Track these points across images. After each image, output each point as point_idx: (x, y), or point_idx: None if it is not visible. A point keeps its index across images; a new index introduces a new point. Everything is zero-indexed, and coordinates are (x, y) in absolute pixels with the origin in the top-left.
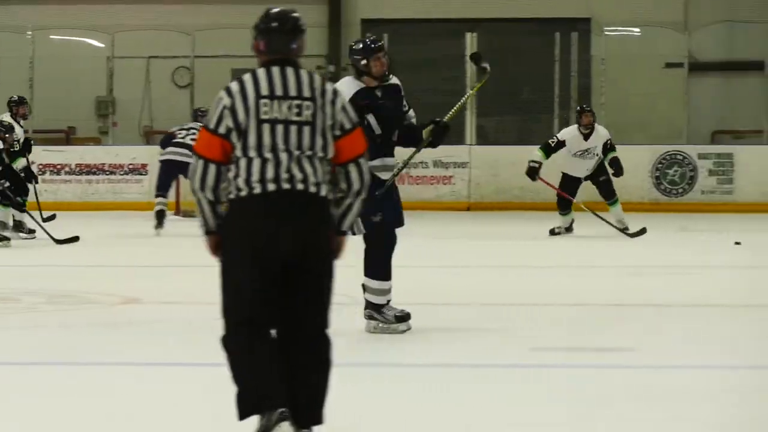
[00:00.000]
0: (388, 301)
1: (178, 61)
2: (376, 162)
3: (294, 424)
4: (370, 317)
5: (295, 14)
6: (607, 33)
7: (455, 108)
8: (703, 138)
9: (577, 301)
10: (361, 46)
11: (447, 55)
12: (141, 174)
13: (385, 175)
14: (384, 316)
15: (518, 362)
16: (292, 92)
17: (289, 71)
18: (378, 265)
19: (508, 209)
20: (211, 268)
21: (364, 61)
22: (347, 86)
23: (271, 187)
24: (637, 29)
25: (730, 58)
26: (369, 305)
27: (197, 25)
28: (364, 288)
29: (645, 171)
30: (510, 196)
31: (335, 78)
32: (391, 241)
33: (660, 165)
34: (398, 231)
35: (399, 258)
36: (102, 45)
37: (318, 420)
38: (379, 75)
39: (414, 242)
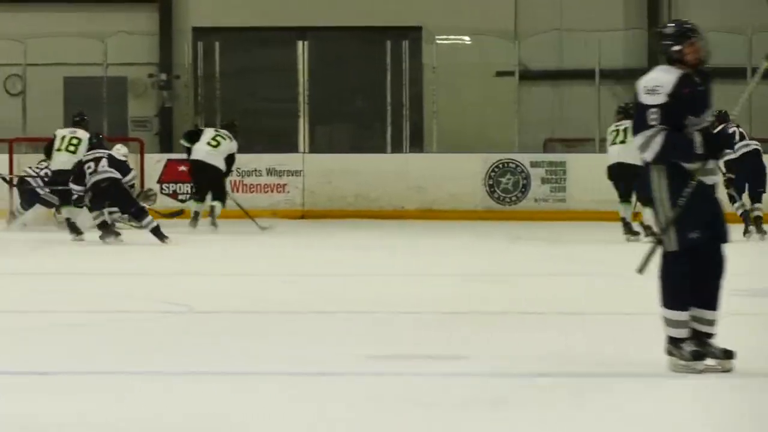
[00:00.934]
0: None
1: (10, 68)
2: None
3: None
4: (669, 353)
5: None
6: (438, 41)
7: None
8: (535, 146)
9: (409, 309)
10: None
11: (279, 63)
12: None
13: (710, 180)
14: (681, 352)
15: (355, 370)
16: None
17: None
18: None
19: (342, 217)
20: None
21: (677, 47)
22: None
23: None
24: (468, 38)
25: (560, 66)
26: (667, 339)
27: (29, 33)
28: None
29: (478, 179)
30: (344, 204)
31: (166, 87)
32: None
33: (493, 173)
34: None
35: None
36: None
37: None
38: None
39: (251, 251)
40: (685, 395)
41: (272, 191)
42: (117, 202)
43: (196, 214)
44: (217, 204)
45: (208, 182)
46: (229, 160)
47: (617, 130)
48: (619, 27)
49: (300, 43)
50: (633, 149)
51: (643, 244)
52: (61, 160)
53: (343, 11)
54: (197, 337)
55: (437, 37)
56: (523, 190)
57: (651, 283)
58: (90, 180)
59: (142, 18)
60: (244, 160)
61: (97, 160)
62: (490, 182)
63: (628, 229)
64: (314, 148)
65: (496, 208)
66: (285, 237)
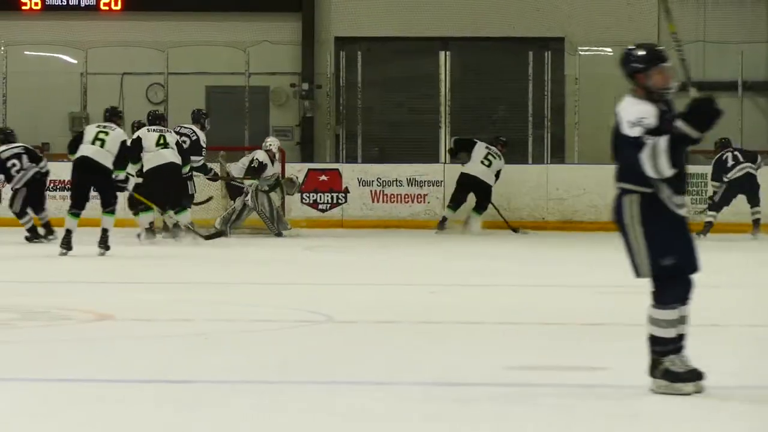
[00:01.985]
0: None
1: (151, 77)
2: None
3: None
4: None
5: None
6: (580, 53)
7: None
8: None
9: (549, 320)
10: None
11: (421, 73)
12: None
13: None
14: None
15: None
16: None
17: None
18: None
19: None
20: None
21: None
22: None
23: None
24: (611, 49)
25: (702, 77)
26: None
27: (171, 42)
28: None
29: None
30: (485, 215)
31: (307, 96)
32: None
33: None
34: None
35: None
36: (75, 61)
37: None
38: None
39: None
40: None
41: (412, 201)
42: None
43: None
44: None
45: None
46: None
47: None
48: (762, 39)
49: (442, 54)
50: None
51: None
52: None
53: (485, 22)
54: (338, 347)
55: (580, 48)
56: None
57: None
58: (22, 177)
59: (285, 28)
60: (384, 171)
61: (18, 156)
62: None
63: None
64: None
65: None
66: (428, 247)
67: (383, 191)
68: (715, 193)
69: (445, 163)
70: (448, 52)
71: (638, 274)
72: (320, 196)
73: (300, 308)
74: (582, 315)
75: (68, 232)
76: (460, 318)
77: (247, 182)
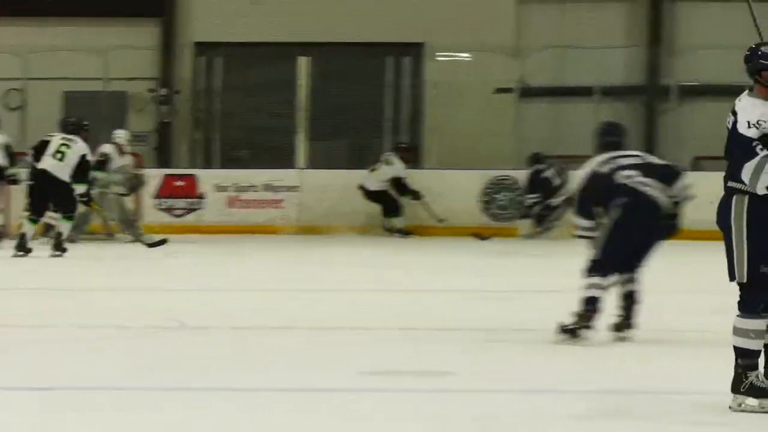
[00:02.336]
0: None
1: (9, 83)
2: None
3: None
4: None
5: None
6: (439, 58)
7: None
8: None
9: (404, 325)
10: None
11: (280, 78)
12: None
13: None
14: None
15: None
16: None
17: None
18: None
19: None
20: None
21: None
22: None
23: None
24: (469, 54)
25: (559, 83)
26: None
27: (29, 47)
28: None
29: (474, 196)
30: (342, 220)
31: (165, 101)
32: None
33: (489, 190)
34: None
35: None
36: None
37: None
38: None
39: (248, 266)
40: None
41: (268, 207)
42: None
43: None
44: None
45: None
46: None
47: None
48: (619, 44)
49: (301, 59)
50: None
51: None
52: None
53: (345, 27)
54: (191, 353)
55: (438, 53)
56: (518, 207)
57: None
58: None
59: (146, 33)
60: (240, 176)
61: None
62: (486, 199)
63: None
64: (312, 163)
65: (492, 224)
66: (279, 252)
67: (239, 197)
68: None
69: (301, 169)
70: (307, 58)
71: (733, 277)
72: (175, 201)
73: (155, 314)
74: (427, 319)
75: (23, 236)
76: (315, 323)
77: (99, 175)
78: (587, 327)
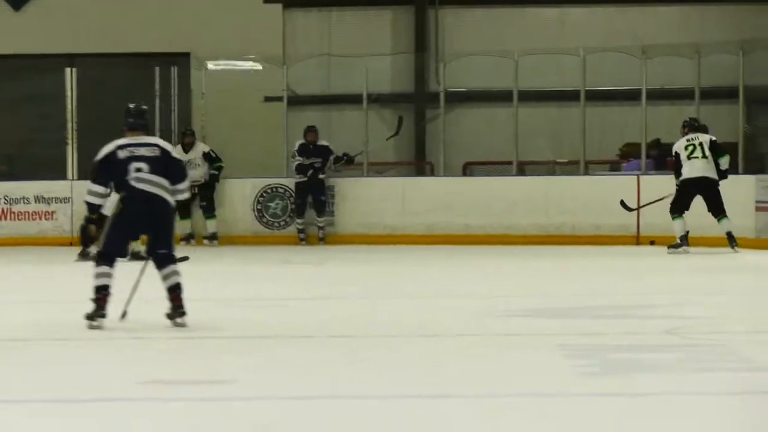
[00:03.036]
0: None
1: None
2: None
3: None
4: None
5: None
6: (207, 68)
7: None
8: None
9: (175, 334)
10: None
11: (47, 90)
12: None
13: None
14: None
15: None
16: None
17: None
18: None
19: None
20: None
21: None
22: None
23: None
24: (237, 64)
25: (328, 91)
26: None
27: None
28: None
29: (247, 204)
30: None
31: None
32: None
33: (262, 198)
34: None
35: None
36: None
37: None
38: None
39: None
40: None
41: (41, 219)
42: None
43: None
44: None
45: None
46: None
47: (693, 145)
48: (386, 52)
49: (68, 71)
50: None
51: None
52: None
53: (111, 38)
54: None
55: (206, 63)
56: (291, 214)
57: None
58: None
59: None
60: (11, 188)
61: None
62: (259, 207)
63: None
64: (84, 174)
65: (264, 232)
66: (53, 265)
67: (11, 209)
68: None
69: (72, 180)
70: (74, 69)
71: None
72: None
73: None
74: (211, 329)
75: None
76: (97, 334)
77: None
78: (101, 315)
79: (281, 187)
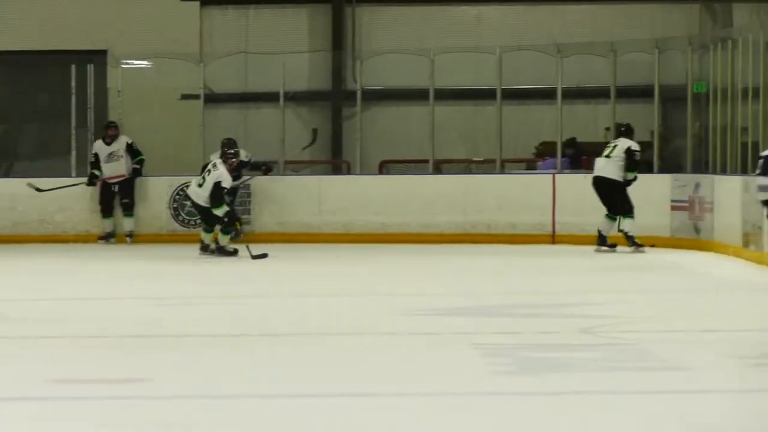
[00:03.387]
0: None
1: None
2: None
3: None
4: None
5: None
6: (123, 66)
7: None
8: None
9: (94, 333)
10: None
11: None
12: None
13: None
14: None
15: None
16: None
17: None
18: None
19: (25, 242)
20: None
21: None
22: None
23: None
24: (154, 62)
25: (245, 89)
26: None
27: None
28: None
29: (163, 202)
30: (28, 229)
31: None
32: None
33: (178, 196)
34: None
35: None
36: None
37: None
38: None
39: None
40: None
41: None
42: None
43: None
44: None
45: None
46: None
47: (609, 146)
48: (303, 50)
49: None
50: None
51: None
52: None
53: (27, 35)
54: None
55: (123, 61)
56: None
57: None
58: None
59: None
60: None
61: None
62: (175, 205)
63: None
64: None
65: (180, 231)
66: None
67: None
68: None
69: None
70: None
71: None
72: None
73: None
74: (122, 327)
75: None
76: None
77: None
78: None
79: None
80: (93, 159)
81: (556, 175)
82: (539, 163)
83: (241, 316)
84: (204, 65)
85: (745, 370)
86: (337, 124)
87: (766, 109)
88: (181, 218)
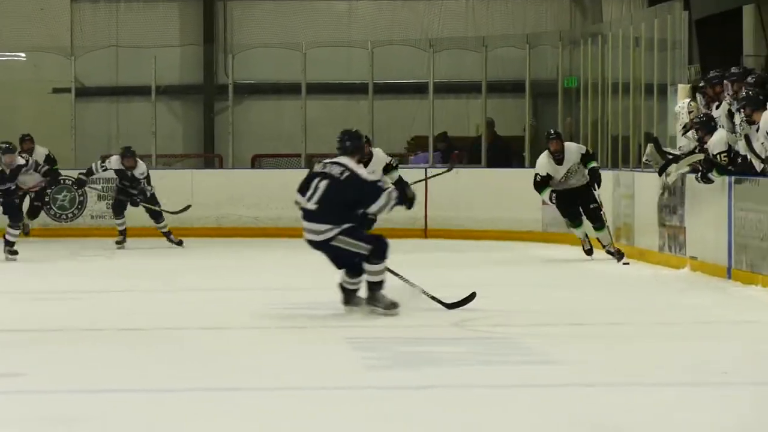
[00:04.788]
0: None
1: None
2: None
3: None
4: None
5: None
6: None
7: None
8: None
9: None
10: None
11: None
12: None
13: None
14: None
15: None
16: None
17: None
18: None
19: None
20: None
21: None
22: None
23: None
24: (24, 54)
25: (117, 83)
26: None
27: None
28: None
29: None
30: None
31: None
32: None
33: (50, 190)
34: None
35: None
36: None
37: None
38: None
39: None
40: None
41: None
42: None
43: None
44: None
45: None
46: None
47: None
48: (175, 44)
49: None
50: None
51: None
52: None
53: None
54: None
55: None
56: (79, 206)
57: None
58: None
59: None
60: None
61: None
62: (47, 199)
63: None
64: None
65: (52, 225)
66: None
67: None
68: None
69: None
70: None
71: None
72: None
73: None
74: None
75: None
76: None
77: None
78: None
79: (68, 179)
80: None
81: (428, 169)
82: (411, 158)
83: (127, 310)
84: (75, 59)
85: (615, 362)
86: (208, 118)
87: (636, 104)
88: (53, 212)
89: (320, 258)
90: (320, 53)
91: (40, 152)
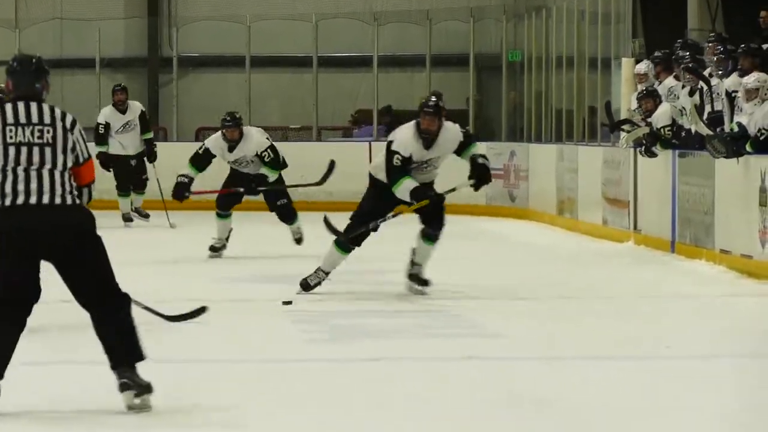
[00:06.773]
0: None
1: None
2: None
3: None
4: None
5: (37, 57)
6: None
7: None
8: None
9: None
10: None
11: None
12: None
13: None
14: None
15: None
16: (34, 120)
17: (33, 105)
18: None
19: None
20: None
21: None
22: None
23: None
24: None
25: (60, 55)
26: None
27: None
28: None
29: None
30: None
31: None
32: None
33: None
34: None
35: None
36: None
37: None
38: None
39: None
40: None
41: None
42: None
43: None
44: None
45: None
46: None
47: None
48: (119, 16)
49: None
50: None
51: None
52: None
53: None
54: None
55: None
56: None
57: None
58: None
59: None
60: None
61: None
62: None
63: None
64: None
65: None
66: None
67: None
68: None
69: None
70: None
71: None
72: None
73: None
74: None
75: None
76: None
77: None
78: None
79: None
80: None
81: (372, 143)
82: (355, 131)
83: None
84: (19, 31)
85: (558, 337)
86: (153, 91)
87: (580, 77)
88: None
89: (262, 232)
90: (265, 26)
91: (135, 108)
